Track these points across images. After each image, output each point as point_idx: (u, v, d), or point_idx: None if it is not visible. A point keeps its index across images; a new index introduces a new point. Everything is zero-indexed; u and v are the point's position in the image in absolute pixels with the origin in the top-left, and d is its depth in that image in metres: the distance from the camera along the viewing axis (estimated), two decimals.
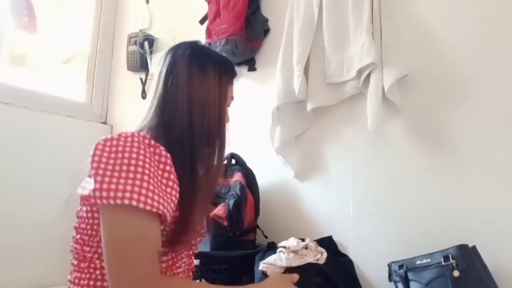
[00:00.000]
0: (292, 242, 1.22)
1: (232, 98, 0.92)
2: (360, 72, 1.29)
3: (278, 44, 1.50)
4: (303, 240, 1.25)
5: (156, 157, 0.71)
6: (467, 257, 0.99)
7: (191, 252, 0.90)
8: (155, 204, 0.65)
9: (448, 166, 1.19)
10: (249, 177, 1.42)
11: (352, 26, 1.33)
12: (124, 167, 0.65)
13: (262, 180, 1.47)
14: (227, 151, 0.90)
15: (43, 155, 1.74)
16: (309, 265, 1.13)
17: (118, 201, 0.63)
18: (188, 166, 0.77)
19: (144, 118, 0.85)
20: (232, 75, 0.90)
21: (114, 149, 0.68)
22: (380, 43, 1.27)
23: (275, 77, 1.46)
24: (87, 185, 0.67)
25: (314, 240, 1.26)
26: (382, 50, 1.27)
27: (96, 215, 0.73)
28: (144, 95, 1.98)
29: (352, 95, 1.35)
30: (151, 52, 1.97)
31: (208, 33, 1.68)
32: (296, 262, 1.12)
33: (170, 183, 0.71)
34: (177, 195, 0.72)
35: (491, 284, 0.98)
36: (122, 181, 0.64)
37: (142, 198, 0.64)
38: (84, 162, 0.71)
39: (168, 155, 0.72)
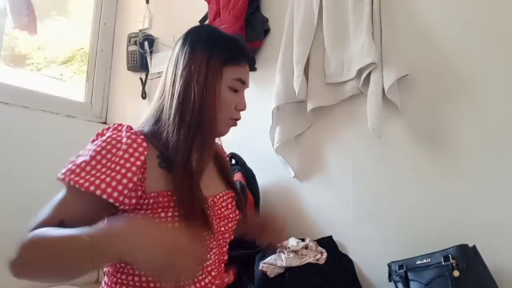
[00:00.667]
0: (292, 242, 1.22)
1: (239, 80, 0.84)
2: (360, 72, 1.29)
3: (278, 44, 1.50)
4: (303, 240, 1.25)
5: (116, 143, 0.72)
6: (467, 257, 0.99)
7: (221, 242, 0.84)
8: (83, 182, 0.67)
9: (448, 166, 1.19)
10: (249, 177, 1.42)
11: (352, 26, 1.33)
12: (92, 153, 0.71)
13: (262, 180, 1.47)
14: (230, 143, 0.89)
15: (43, 155, 1.74)
16: (309, 265, 1.13)
17: (59, 176, 0.69)
18: (176, 149, 0.77)
19: (155, 103, 0.87)
20: (233, 55, 0.83)
21: (97, 138, 0.75)
22: (380, 43, 1.27)
23: (275, 77, 1.46)
24: None
25: (314, 240, 1.27)
26: (382, 50, 1.27)
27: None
28: (144, 95, 1.98)
29: (352, 95, 1.35)
30: (151, 52, 1.97)
31: None
32: (296, 262, 1.12)
33: (123, 162, 0.70)
34: (125, 180, 0.69)
35: (491, 284, 0.98)
36: (77, 163, 0.70)
37: (78, 179, 0.67)
38: None
39: (138, 140, 0.73)
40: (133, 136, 0.73)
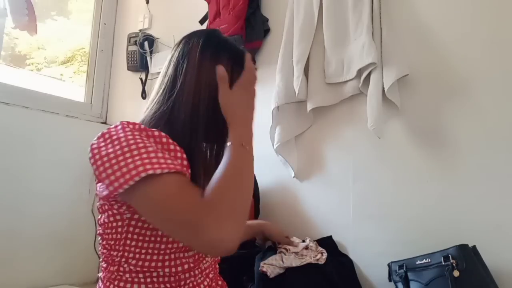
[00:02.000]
0: (295, 241, 1.22)
1: None
2: (360, 72, 1.29)
3: (278, 44, 1.50)
4: (303, 240, 1.25)
5: (151, 139, 0.70)
6: (467, 257, 0.99)
7: None
8: (169, 165, 0.64)
9: (448, 166, 1.19)
10: None
11: (352, 26, 1.33)
12: (125, 149, 0.64)
13: (262, 180, 1.47)
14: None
15: (43, 155, 1.74)
16: (309, 265, 1.13)
17: (136, 178, 0.61)
18: (189, 152, 0.75)
19: (151, 101, 0.83)
20: (242, 61, 0.86)
21: (108, 141, 0.67)
22: (380, 43, 1.27)
23: (275, 77, 1.46)
24: (101, 189, 0.67)
25: (314, 240, 1.26)
26: (382, 50, 1.26)
27: (118, 218, 0.73)
28: (144, 95, 1.98)
29: (352, 95, 1.35)
30: (151, 52, 1.97)
31: None
32: (297, 262, 1.12)
33: (177, 154, 0.71)
34: (186, 162, 0.71)
35: (491, 284, 0.98)
36: (129, 161, 0.63)
37: (157, 166, 0.63)
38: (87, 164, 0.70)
39: (157, 133, 0.71)
40: (161, 133, 0.72)
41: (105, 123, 2.11)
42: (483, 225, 1.11)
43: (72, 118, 1.92)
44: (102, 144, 0.68)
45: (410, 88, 1.27)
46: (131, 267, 0.73)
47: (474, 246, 1.03)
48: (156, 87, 0.84)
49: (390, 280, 1.13)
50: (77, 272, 1.80)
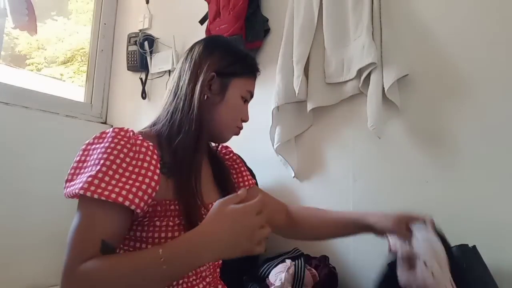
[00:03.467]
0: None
1: (250, 93, 0.89)
2: (360, 72, 1.29)
3: (278, 44, 1.50)
4: None
5: (131, 153, 0.69)
6: (467, 257, 0.99)
7: None
8: (114, 195, 0.62)
9: (448, 166, 1.19)
10: None
11: (352, 26, 1.33)
12: (95, 164, 0.66)
13: (262, 180, 1.46)
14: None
15: (43, 155, 1.74)
16: None
17: (81, 192, 0.62)
18: (183, 152, 0.77)
19: (160, 113, 0.84)
20: (252, 68, 0.89)
21: (89, 146, 0.70)
22: (380, 43, 1.27)
23: (275, 77, 1.46)
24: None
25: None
26: (382, 50, 1.26)
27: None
28: (144, 95, 1.98)
29: (352, 95, 1.35)
30: (151, 52, 1.97)
31: (208, 33, 1.69)
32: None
33: (144, 172, 0.68)
34: (154, 183, 0.69)
35: (491, 284, 0.98)
36: (91, 173, 0.64)
37: (94, 189, 0.62)
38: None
39: (151, 147, 0.71)
40: (145, 143, 0.72)
41: (105, 123, 2.11)
42: (483, 225, 1.11)
43: (72, 118, 1.92)
44: (83, 147, 0.71)
45: (410, 88, 1.27)
46: None
47: (474, 246, 1.03)
48: (173, 91, 0.85)
49: None
50: None
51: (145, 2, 2.09)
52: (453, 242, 1.03)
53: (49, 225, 1.72)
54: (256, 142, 1.54)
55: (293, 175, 1.48)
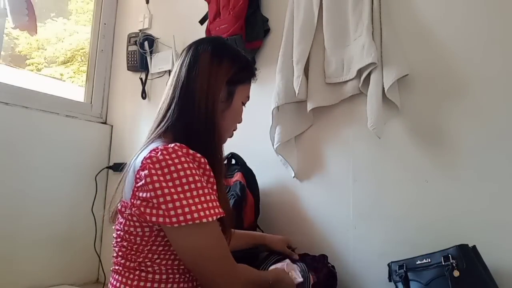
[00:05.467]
0: None
1: (248, 97, 0.98)
2: (360, 72, 1.29)
3: (278, 44, 1.50)
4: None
5: (197, 166, 0.76)
6: (467, 257, 0.99)
7: None
8: (217, 211, 0.74)
9: (449, 166, 1.19)
10: (249, 177, 1.42)
11: (352, 26, 1.33)
12: (186, 187, 0.72)
13: (262, 180, 1.47)
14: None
15: (43, 155, 1.74)
16: None
17: (190, 223, 0.70)
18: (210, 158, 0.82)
19: (165, 111, 0.88)
20: (250, 75, 0.96)
21: (166, 170, 0.72)
22: (380, 43, 1.27)
23: (275, 77, 1.46)
24: (148, 209, 0.72)
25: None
26: (382, 50, 1.26)
27: (147, 230, 0.77)
28: (144, 95, 1.98)
29: (352, 95, 1.35)
30: (151, 52, 1.97)
31: (208, 33, 1.68)
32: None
33: (214, 186, 0.79)
34: (212, 179, 0.79)
35: (491, 284, 0.98)
36: (190, 201, 0.71)
37: (208, 212, 0.72)
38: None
39: (203, 160, 0.77)
40: (203, 159, 0.77)
41: (105, 123, 2.11)
42: (483, 225, 1.11)
43: (72, 118, 1.92)
44: (160, 173, 0.72)
45: (410, 88, 1.27)
46: (155, 266, 0.78)
47: (474, 246, 1.03)
48: (168, 94, 0.90)
49: (390, 280, 1.13)
50: (77, 272, 1.80)
51: (145, 2, 2.09)
52: (453, 242, 1.03)
53: (49, 225, 1.73)
54: (256, 142, 1.54)
55: (293, 175, 1.48)
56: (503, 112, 1.12)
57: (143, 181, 0.72)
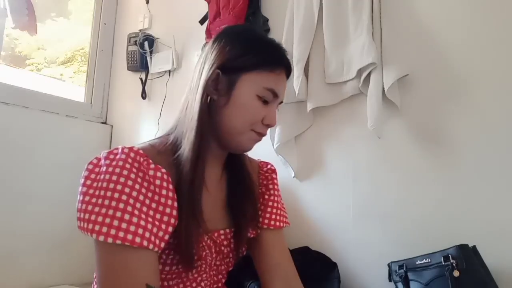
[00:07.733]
0: None
1: (271, 91, 0.73)
2: (360, 72, 1.29)
3: None
4: None
5: (145, 184, 0.63)
6: (467, 257, 0.99)
7: (215, 272, 0.79)
8: (122, 235, 0.58)
9: (448, 166, 1.19)
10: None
11: (352, 26, 1.33)
12: (110, 201, 0.59)
13: None
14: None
15: (43, 155, 1.74)
16: None
17: (101, 238, 0.57)
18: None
19: (180, 112, 0.76)
20: (267, 59, 0.72)
21: (101, 176, 0.61)
22: (380, 43, 1.27)
23: None
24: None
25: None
26: (382, 50, 1.26)
27: None
28: (144, 95, 1.98)
29: (352, 95, 1.35)
30: (151, 52, 1.97)
31: (208, 33, 1.68)
32: None
33: (162, 209, 0.64)
34: (174, 220, 0.65)
35: (491, 284, 0.98)
36: (108, 213, 0.58)
37: (112, 232, 0.58)
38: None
39: (165, 176, 0.65)
40: (159, 173, 0.65)
41: (105, 123, 2.11)
42: (483, 225, 1.11)
43: (72, 118, 1.92)
44: (96, 171, 0.63)
45: (410, 88, 1.27)
46: None
47: (474, 246, 1.03)
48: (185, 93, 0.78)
49: (390, 280, 1.13)
50: (77, 272, 1.80)
51: (145, 2, 2.09)
52: (453, 242, 1.03)
53: (49, 225, 1.72)
54: None
55: (293, 175, 1.48)
56: (502, 112, 1.12)
57: (82, 174, 0.64)
